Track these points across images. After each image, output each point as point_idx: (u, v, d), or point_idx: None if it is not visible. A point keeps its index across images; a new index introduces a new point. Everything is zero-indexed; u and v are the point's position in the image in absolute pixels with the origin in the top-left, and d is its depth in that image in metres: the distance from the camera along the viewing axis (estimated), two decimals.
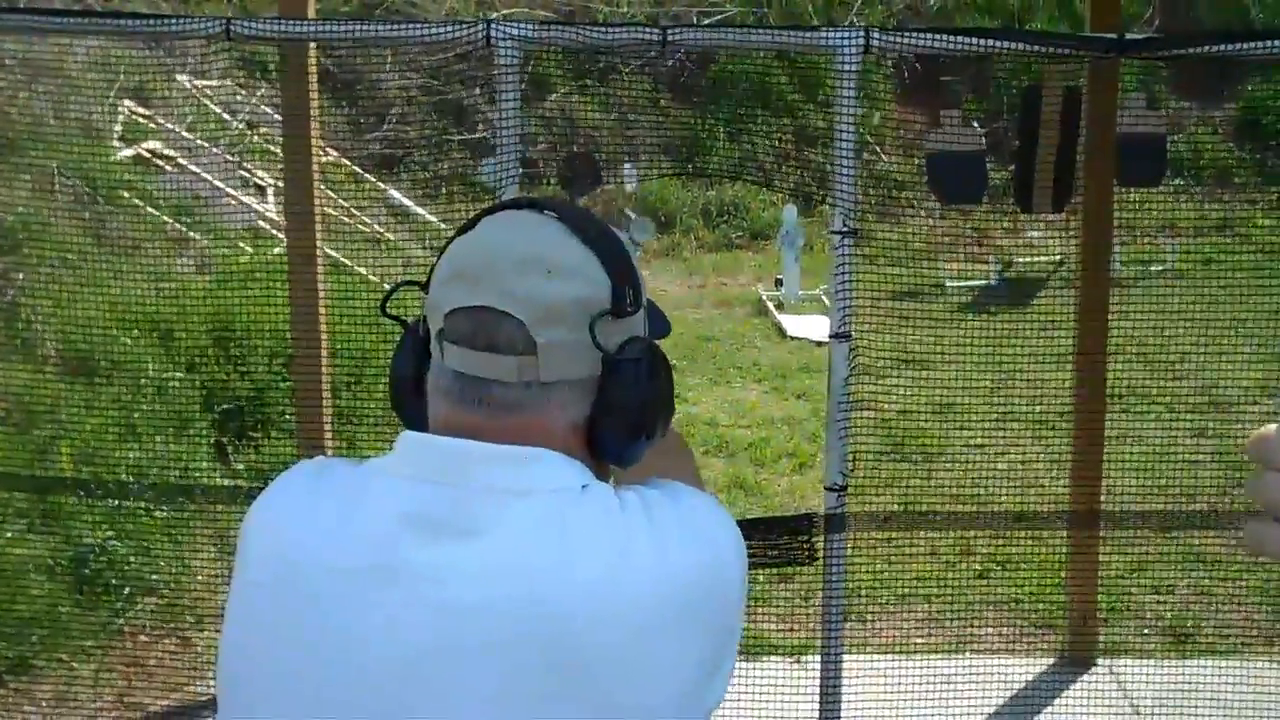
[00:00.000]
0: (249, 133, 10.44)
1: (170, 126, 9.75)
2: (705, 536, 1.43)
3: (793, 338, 10.11)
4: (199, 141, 9.86)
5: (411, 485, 1.39)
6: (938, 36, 3.38)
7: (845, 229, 3.34)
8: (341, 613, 1.35)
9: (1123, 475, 4.95)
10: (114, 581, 4.93)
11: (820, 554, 3.47)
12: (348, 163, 11.07)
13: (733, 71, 12.78)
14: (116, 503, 5.02)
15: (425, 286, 1.50)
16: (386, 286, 6.41)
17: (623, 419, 1.46)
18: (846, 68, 3.27)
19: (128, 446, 5.43)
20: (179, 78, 10.50)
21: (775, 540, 3.44)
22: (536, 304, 1.40)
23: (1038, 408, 6.89)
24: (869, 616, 5.24)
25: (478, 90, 12.54)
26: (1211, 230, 11.02)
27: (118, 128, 9.30)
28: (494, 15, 12.16)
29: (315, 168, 4.45)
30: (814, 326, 9.95)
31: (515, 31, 3.27)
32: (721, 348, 9.83)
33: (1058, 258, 10.33)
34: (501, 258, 1.43)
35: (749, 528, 3.48)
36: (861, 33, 3.27)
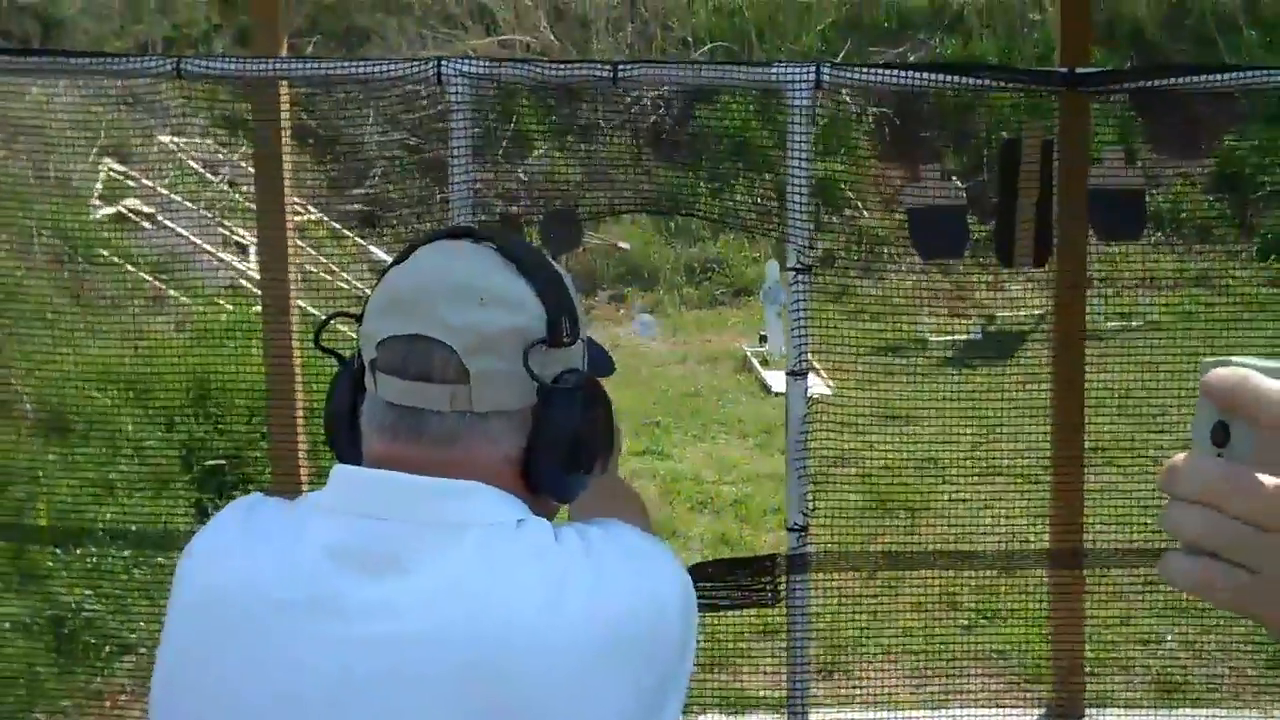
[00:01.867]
0: (229, 190, 10.44)
1: (150, 184, 9.74)
2: (644, 573, 1.41)
3: (777, 394, 10.10)
4: (179, 199, 9.86)
5: (344, 519, 1.37)
6: (889, 72, 3.37)
7: (799, 265, 3.33)
8: (272, 647, 1.33)
9: (1106, 527, 4.93)
10: (92, 641, 4.87)
11: (783, 595, 3.43)
12: (327, 219, 11.07)
13: (713, 127, 12.83)
14: (94, 562, 4.97)
15: (360, 319, 1.48)
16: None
17: (558, 450, 1.44)
18: (798, 103, 3.26)
19: (105, 505, 5.38)
20: (160, 137, 10.51)
21: (738, 581, 3.40)
22: (469, 332, 1.39)
23: (1021, 461, 6.88)
24: (852, 669, 5.20)
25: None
26: (1190, 283, 11.06)
27: (98, 186, 9.29)
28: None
29: (289, 220, 4.42)
30: None
31: (466, 68, 3.25)
32: (705, 404, 9.81)
33: (1039, 312, 10.34)
34: (435, 286, 1.42)
35: (711, 569, 3.45)
36: (812, 67, 3.26)
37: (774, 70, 3.32)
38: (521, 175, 12.48)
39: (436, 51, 13.35)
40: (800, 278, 3.33)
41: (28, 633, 4.75)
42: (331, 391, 1.53)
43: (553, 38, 14.35)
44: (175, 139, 10.57)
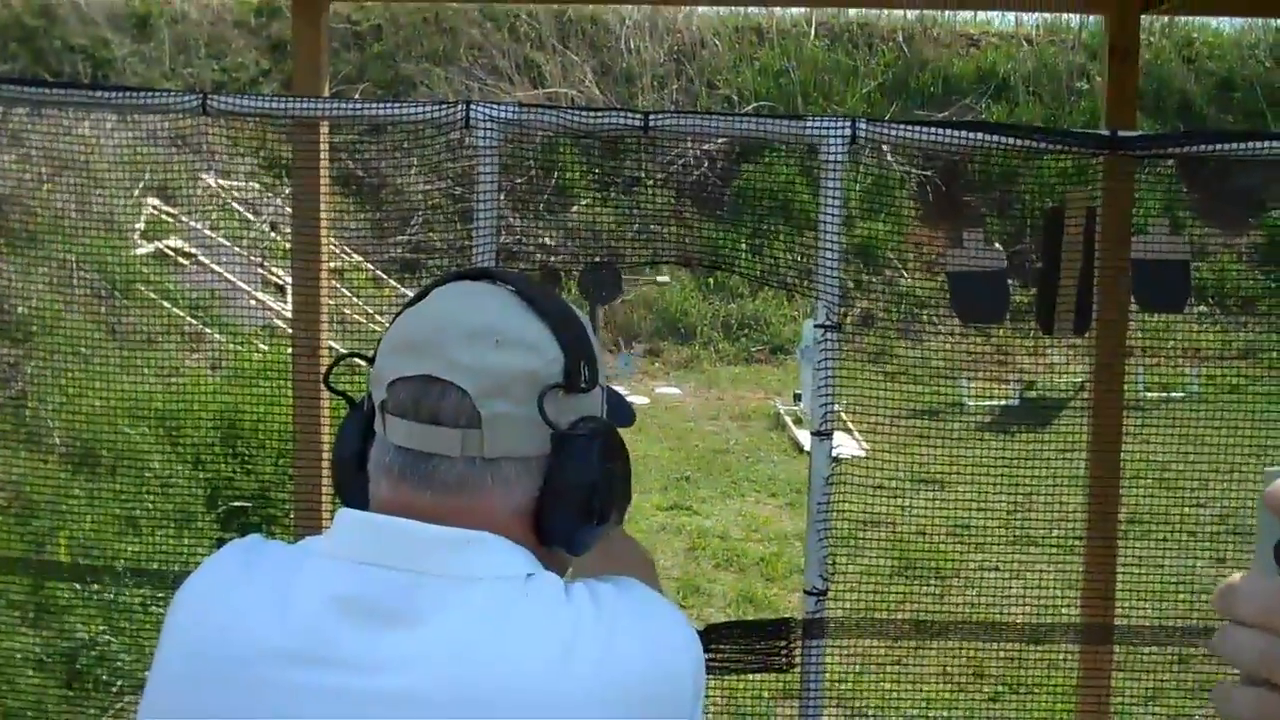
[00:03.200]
0: (270, 232, 10.50)
1: (193, 224, 9.80)
2: (657, 635, 1.35)
3: (810, 453, 10.04)
4: (221, 240, 9.91)
5: (347, 567, 1.32)
6: (925, 129, 3.32)
7: (829, 323, 3.26)
8: (264, 697, 1.27)
9: (1140, 600, 4.83)
10: (104, 677, 4.84)
11: (798, 660, 3.35)
12: (370, 267, 11.12)
13: (756, 187, 12.83)
14: (112, 597, 4.94)
15: (372, 360, 1.43)
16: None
17: (572, 500, 1.37)
18: (832, 158, 3.21)
19: (127, 540, 5.36)
20: (205, 178, 10.59)
21: (752, 645, 3.32)
22: (483, 374, 1.33)
23: (1055, 531, 6.79)
24: None
25: (502, 196, 12.61)
26: (1235, 356, 10.94)
27: (140, 224, 9.35)
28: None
29: (324, 263, 4.41)
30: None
31: (494, 113, 3.22)
32: (736, 460, 9.75)
33: (1080, 380, 10.25)
34: (449, 327, 1.36)
35: (724, 632, 3.37)
36: (848, 122, 3.21)
37: (809, 124, 3.27)
38: (563, 226, 12.51)
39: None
40: (829, 335, 3.27)
41: (40, 667, 4.72)
42: (340, 434, 1.47)
43: (598, 92, 14.41)
44: (220, 180, 10.65)
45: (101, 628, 4.91)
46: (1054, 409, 10.07)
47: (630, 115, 3.23)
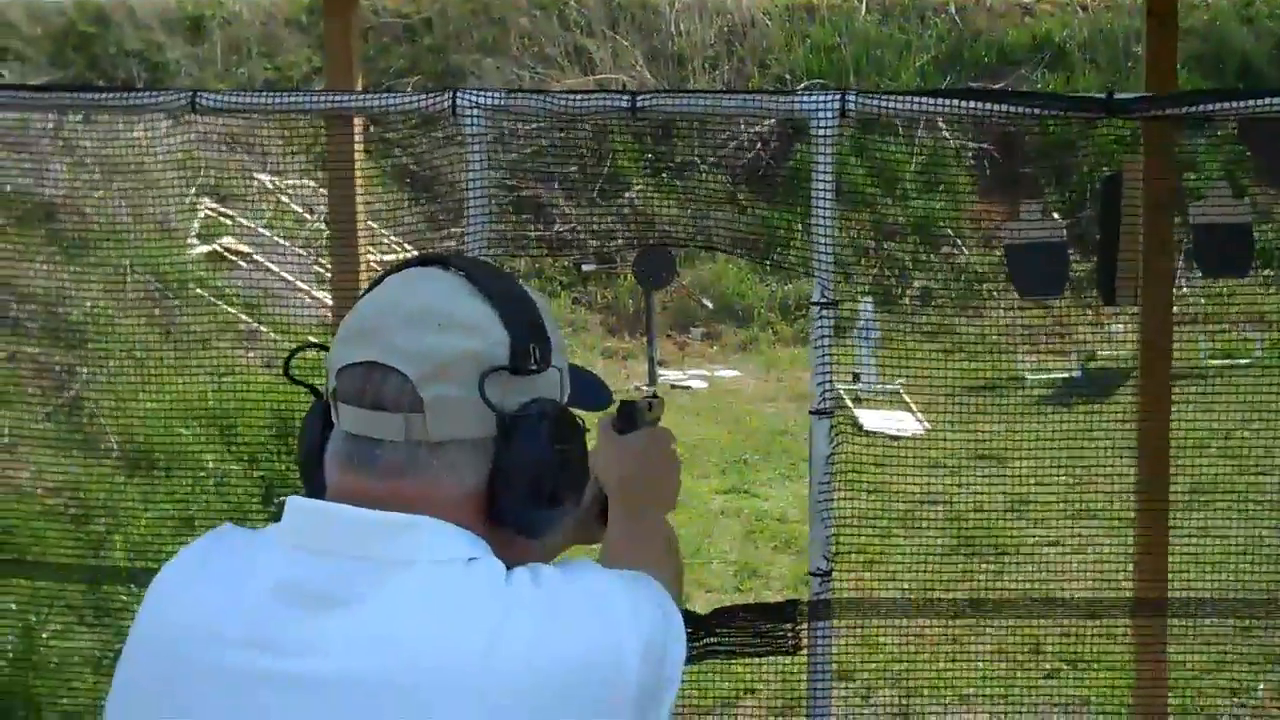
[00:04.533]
0: (324, 229, 10.57)
1: (247, 223, 9.89)
2: (601, 619, 1.33)
3: (869, 432, 9.97)
4: (275, 238, 9.99)
5: (290, 553, 1.34)
6: (918, 100, 3.27)
7: (824, 300, 3.23)
8: (213, 681, 1.30)
9: (1201, 571, 4.76)
10: None
11: (804, 642, 3.33)
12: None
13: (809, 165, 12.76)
14: None
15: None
16: None
17: (520, 482, 1.37)
18: (823, 132, 3.17)
19: (183, 539, 5.41)
20: (259, 176, 10.67)
21: (758, 627, 3.31)
22: (424, 358, 1.34)
23: (1115, 504, 6.71)
24: (930, 716, 5.07)
25: (556, 185, 12.64)
26: None
27: (195, 225, 9.44)
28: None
29: (364, 256, 4.42)
30: (891, 420, 9.80)
31: (480, 100, 3.23)
32: (795, 442, 9.70)
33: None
34: (391, 312, 1.37)
35: (730, 615, 3.35)
36: (838, 95, 3.18)
37: (798, 99, 3.25)
38: (618, 213, 12.50)
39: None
40: (824, 313, 3.23)
41: (98, 668, 4.77)
42: (303, 425, 1.49)
43: (649, 76, 14.39)
44: (273, 179, 10.73)
45: None
46: (1115, 380, 9.96)
47: (618, 97, 3.24)
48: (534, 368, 1.39)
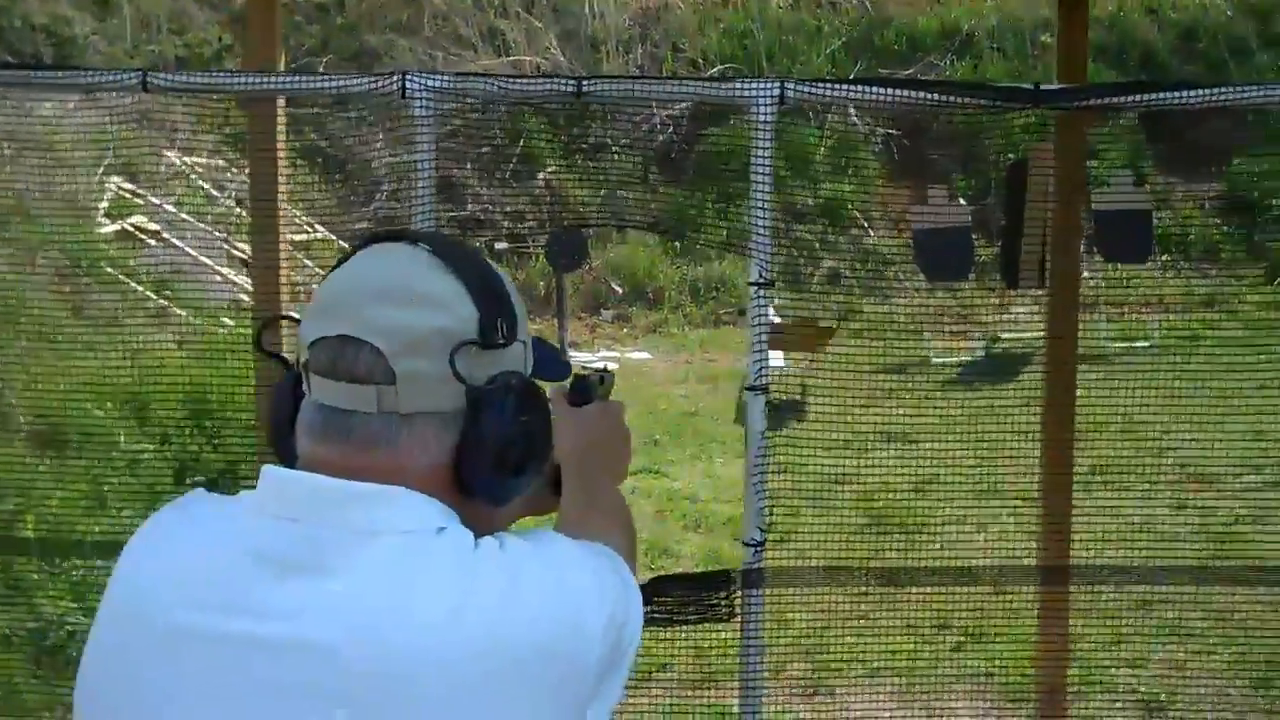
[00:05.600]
0: (234, 207, 10.49)
1: (156, 201, 9.79)
2: (564, 589, 1.38)
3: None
4: (185, 216, 9.90)
5: (265, 521, 1.37)
6: (853, 87, 3.36)
7: (761, 280, 3.32)
8: (183, 649, 1.33)
9: (1101, 547, 4.91)
10: (75, 655, 4.87)
11: (738, 610, 3.42)
12: (334, 238, 11.10)
13: (722, 150, 12.84)
14: (81, 575, 4.97)
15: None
16: None
17: (488, 452, 1.41)
18: (762, 118, 3.26)
19: (95, 518, 5.39)
20: (168, 154, 10.57)
21: (693, 597, 3.39)
22: (395, 333, 1.38)
23: (1020, 483, 6.86)
24: (838, 690, 5.18)
25: (469, 166, 12.61)
26: (1198, 306, 11.02)
27: (104, 203, 9.33)
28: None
29: (284, 237, 4.42)
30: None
31: (430, 83, 3.27)
32: (705, 423, 9.80)
33: (1044, 333, 10.32)
34: (364, 287, 1.41)
35: (666, 584, 3.43)
36: (777, 83, 3.26)
37: (737, 85, 3.32)
38: (529, 193, 12.51)
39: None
40: (760, 293, 3.32)
41: (8, 645, 4.75)
42: (273, 395, 1.53)
43: (563, 58, 14.40)
44: (184, 157, 10.63)
45: (71, 605, 4.94)
46: (1018, 363, 10.14)
47: (563, 82, 3.29)
48: (501, 342, 1.44)
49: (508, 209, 12.47)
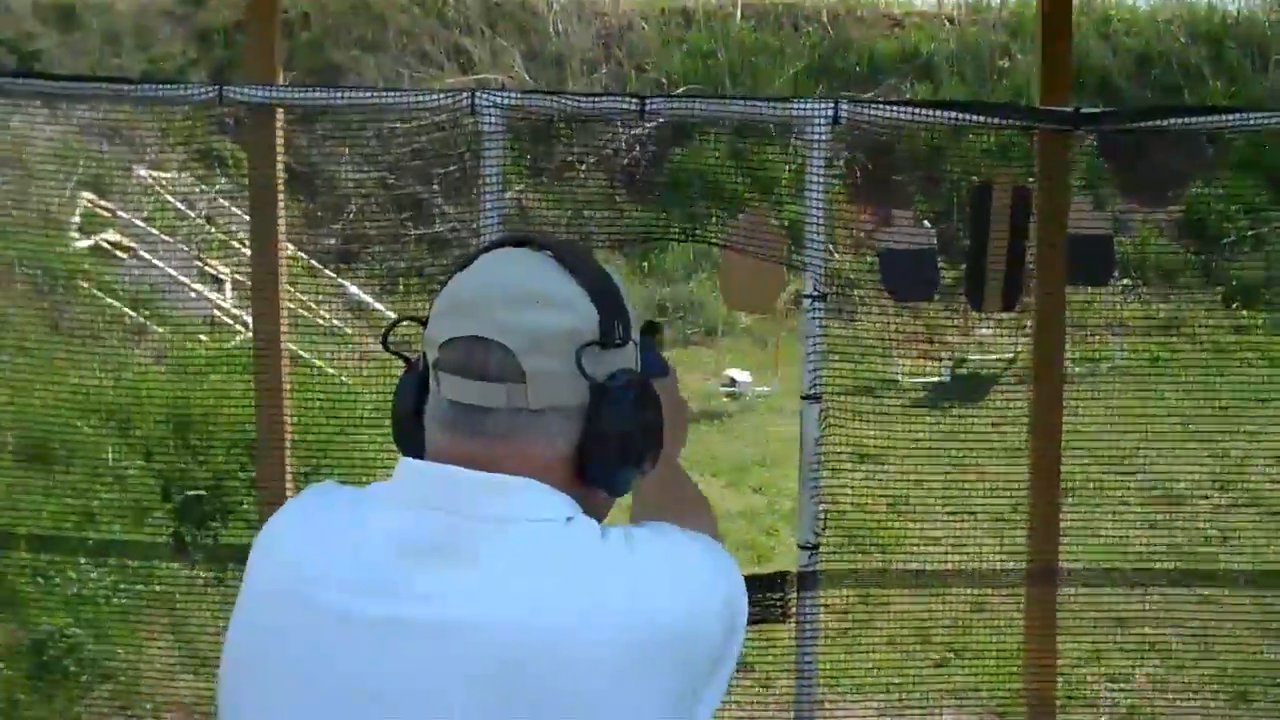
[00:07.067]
0: (206, 225, 10.49)
1: (127, 217, 9.78)
2: (685, 578, 1.47)
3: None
4: (157, 233, 9.89)
5: (405, 511, 1.45)
6: (903, 109, 3.49)
7: (815, 293, 3.44)
8: (332, 630, 1.40)
9: (1076, 565, 5.00)
10: (71, 669, 4.88)
11: (793, 611, 3.51)
12: (304, 256, 11.12)
13: (688, 170, 12.94)
14: (75, 590, 4.98)
15: (425, 323, 1.55)
16: (345, 379, 6.43)
17: (609, 445, 1.50)
18: (816, 137, 3.38)
19: (85, 533, 5.40)
20: (139, 170, 10.55)
21: (753, 597, 3.48)
22: (525, 334, 1.46)
23: (992, 502, 6.95)
24: (827, 705, 5.24)
25: (435, 185, 12.65)
26: (1158, 329, 11.20)
27: (76, 218, 9.32)
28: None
29: (282, 254, 4.45)
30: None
31: (499, 100, 3.38)
32: None
33: (1009, 355, 10.46)
34: (494, 290, 1.49)
35: None
36: (831, 104, 3.38)
37: (794, 106, 3.45)
38: (498, 211, 12.53)
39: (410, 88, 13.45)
40: (816, 305, 3.44)
41: (6, 660, 4.76)
42: (399, 391, 1.60)
43: (527, 77, 14.47)
44: (153, 173, 10.62)
45: (66, 619, 4.95)
46: (985, 385, 10.28)
47: (628, 99, 3.39)
48: (618, 342, 1.52)
49: (474, 226, 12.50)
